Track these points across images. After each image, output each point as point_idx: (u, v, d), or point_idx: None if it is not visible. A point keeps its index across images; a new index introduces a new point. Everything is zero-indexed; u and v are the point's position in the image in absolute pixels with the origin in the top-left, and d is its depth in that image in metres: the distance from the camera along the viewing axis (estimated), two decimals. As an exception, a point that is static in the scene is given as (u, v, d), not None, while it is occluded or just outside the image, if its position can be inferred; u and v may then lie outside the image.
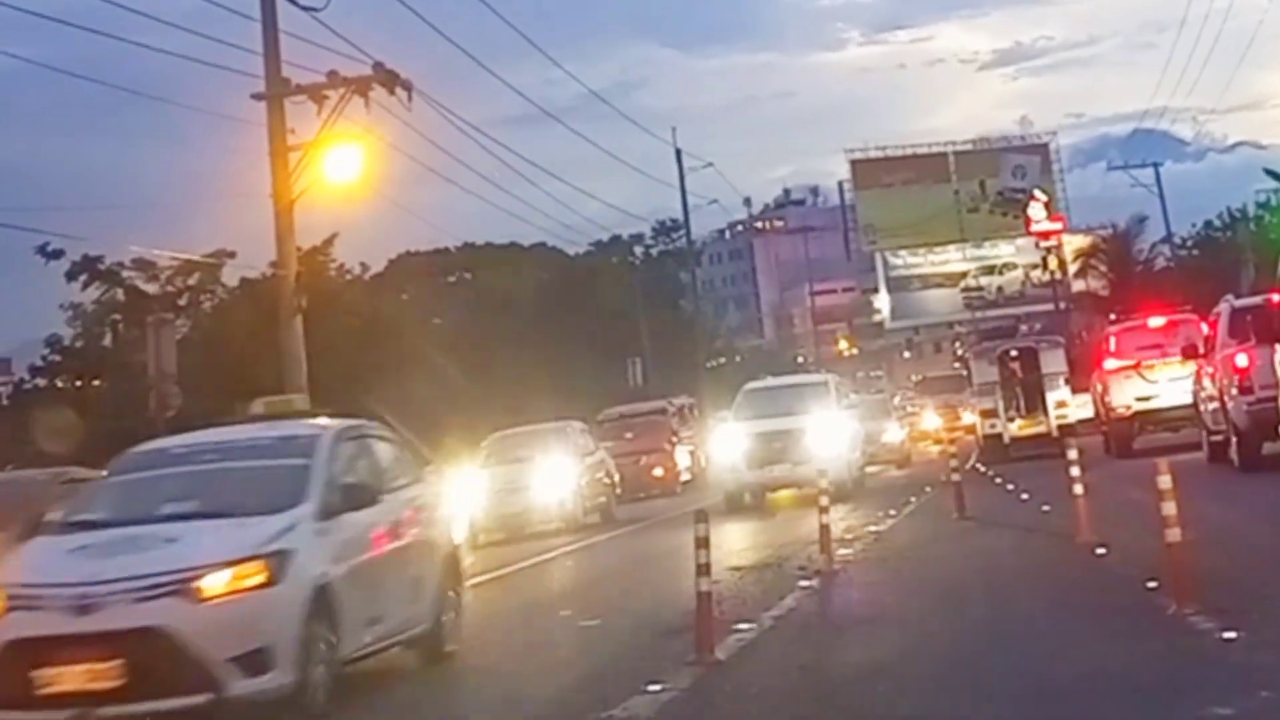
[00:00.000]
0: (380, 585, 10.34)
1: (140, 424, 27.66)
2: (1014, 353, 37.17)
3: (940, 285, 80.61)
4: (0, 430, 37.60)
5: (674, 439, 39.27)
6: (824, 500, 15.91)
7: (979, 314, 77.75)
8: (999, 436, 35.62)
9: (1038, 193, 74.82)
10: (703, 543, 10.27)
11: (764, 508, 26.54)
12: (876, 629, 10.92)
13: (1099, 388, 31.78)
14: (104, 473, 11.56)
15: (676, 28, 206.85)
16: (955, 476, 21.28)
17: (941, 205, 78.94)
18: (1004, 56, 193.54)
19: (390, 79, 25.09)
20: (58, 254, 41.77)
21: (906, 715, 7.84)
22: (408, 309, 54.97)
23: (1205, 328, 24.89)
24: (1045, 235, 73.06)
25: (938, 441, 49.72)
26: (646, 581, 16.48)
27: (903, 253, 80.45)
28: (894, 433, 41.28)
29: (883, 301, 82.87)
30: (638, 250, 79.46)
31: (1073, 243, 72.40)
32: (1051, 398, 35.16)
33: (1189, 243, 61.51)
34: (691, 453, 40.33)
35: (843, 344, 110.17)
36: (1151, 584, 10.53)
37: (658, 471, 37.65)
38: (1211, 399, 23.14)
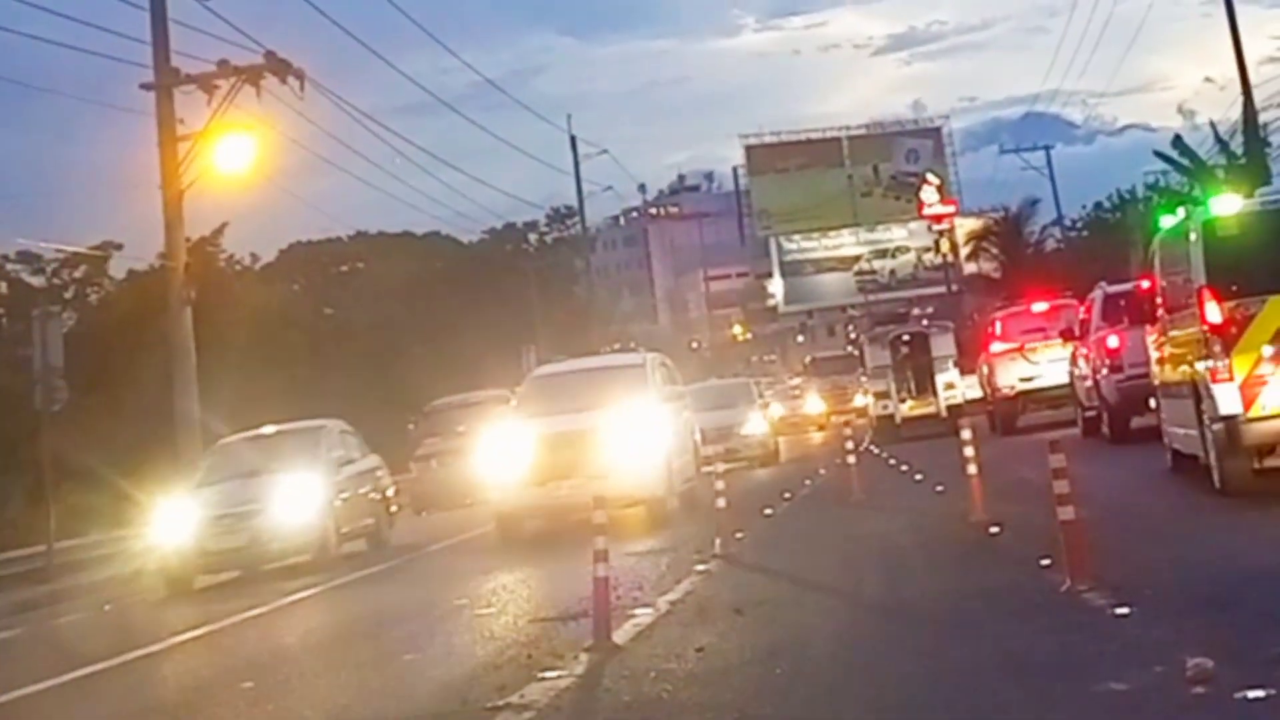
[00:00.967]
0: None
1: (26, 418, 27.20)
2: (905, 337, 39.38)
3: (834, 269, 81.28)
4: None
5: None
6: (719, 485, 15.93)
7: (872, 297, 78.53)
8: (891, 417, 37.90)
9: (930, 176, 75.75)
10: (602, 528, 10.28)
11: (552, 538, 19.13)
12: (773, 611, 10.91)
13: (985, 369, 33.85)
14: None
15: (573, 15, 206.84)
16: (850, 459, 21.40)
17: (835, 190, 79.59)
18: (898, 41, 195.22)
19: (282, 68, 24.84)
20: (-61, 247, 41.00)
21: (804, 695, 7.82)
22: (299, 299, 54.55)
23: (1082, 312, 26.67)
24: (938, 219, 74.00)
25: (820, 428, 50.00)
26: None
27: (796, 237, 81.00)
28: (755, 424, 34.06)
29: (776, 286, 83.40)
30: (532, 238, 79.45)
31: (965, 226, 73.38)
32: (940, 380, 37.56)
33: (1079, 224, 62.39)
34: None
35: (737, 329, 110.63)
36: (1045, 561, 10.62)
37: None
38: (1086, 378, 25.37)
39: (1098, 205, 59.28)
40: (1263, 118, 35.91)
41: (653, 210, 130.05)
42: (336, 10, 29.27)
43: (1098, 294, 25.32)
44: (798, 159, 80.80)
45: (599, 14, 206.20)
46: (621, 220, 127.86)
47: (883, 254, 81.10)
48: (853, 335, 73.62)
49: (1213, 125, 39.83)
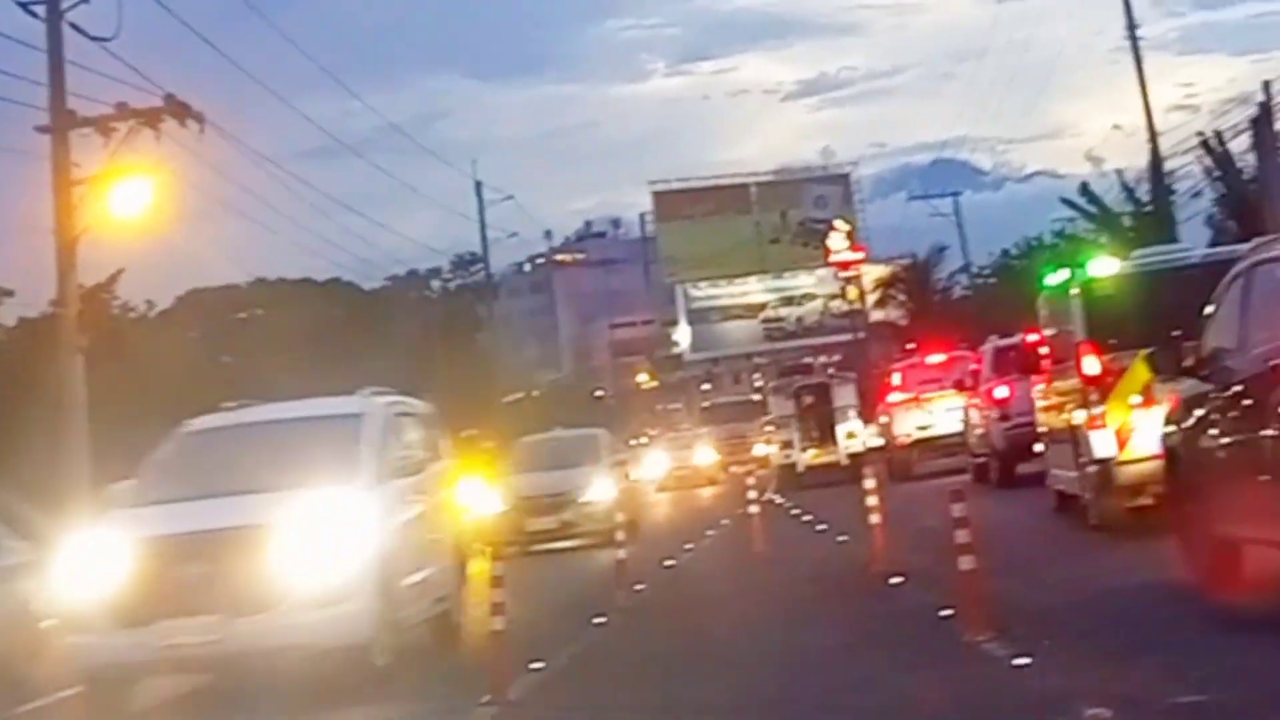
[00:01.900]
0: None
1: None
2: (809, 388, 40.44)
3: (740, 317, 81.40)
4: None
5: None
6: (619, 535, 15.75)
7: (779, 345, 78.74)
8: (794, 466, 38.49)
9: (839, 223, 75.87)
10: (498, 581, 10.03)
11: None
12: (672, 664, 10.76)
13: (884, 419, 35.30)
14: None
15: (480, 59, 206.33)
16: (753, 509, 21.36)
17: (743, 236, 79.71)
18: (808, 87, 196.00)
19: (182, 111, 24.48)
20: None
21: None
22: (196, 347, 53.80)
23: (974, 364, 28.16)
24: (845, 265, 74.14)
25: (713, 482, 47.75)
26: None
27: (703, 284, 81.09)
28: (600, 490, 25.84)
29: (682, 334, 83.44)
30: (436, 285, 78.99)
31: (872, 273, 73.53)
32: (842, 429, 38.39)
33: (987, 271, 62.81)
34: None
35: (642, 377, 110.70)
36: (945, 612, 10.59)
37: None
38: (977, 427, 26.80)
39: (1005, 252, 59.79)
40: (1168, 165, 36.40)
41: (559, 257, 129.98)
42: (239, 52, 28.98)
43: (989, 346, 26.75)
44: (706, 205, 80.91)
45: (506, 57, 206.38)
46: (527, 267, 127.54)
47: (790, 301, 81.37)
48: (758, 384, 73.77)
49: (1119, 173, 40.17)
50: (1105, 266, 15.44)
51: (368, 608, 11.15)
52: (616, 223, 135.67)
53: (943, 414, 31.52)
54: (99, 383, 26.27)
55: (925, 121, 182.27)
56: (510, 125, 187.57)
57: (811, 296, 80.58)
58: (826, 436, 38.45)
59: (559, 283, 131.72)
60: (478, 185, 56.81)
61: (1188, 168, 36.10)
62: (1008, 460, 24.67)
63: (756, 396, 64.93)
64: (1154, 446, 12.27)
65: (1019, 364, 22.05)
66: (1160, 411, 11.76)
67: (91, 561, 11.30)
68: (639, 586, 15.95)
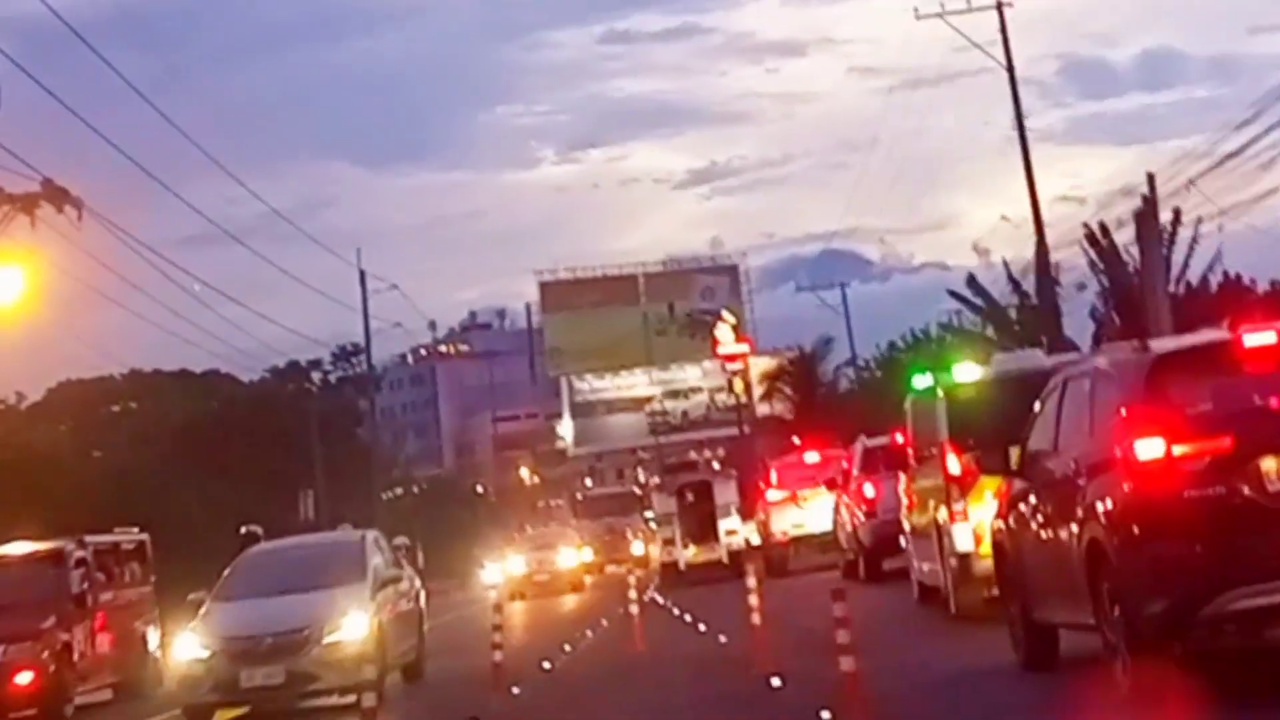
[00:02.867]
0: None
1: None
2: (691, 485, 40.53)
3: (625, 410, 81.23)
4: None
5: (85, 604, 21.31)
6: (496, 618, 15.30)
7: (664, 439, 78.54)
8: (675, 564, 38.75)
9: (726, 314, 75.61)
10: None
11: None
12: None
13: (762, 516, 35.83)
14: None
15: (365, 145, 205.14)
16: (633, 608, 21.14)
17: (629, 328, 79.64)
18: (699, 176, 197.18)
19: (59, 196, 23.93)
20: None
21: None
22: (66, 440, 52.56)
23: (845, 462, 29.07)
24: (731, 358, 73.86)
25: (576, 589, 40.83)
26: None
27: (589, 377, 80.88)
28: (353, 627, 16.87)
29: (566, 427, 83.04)
30: (316, 376, 77.79)
31: (759, 365, 73.21)
32: (723, 526, 38.65)
33: (873, 364, 63.04)
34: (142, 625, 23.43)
35: (524, 471, 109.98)
36: (825, 715, 10.41)
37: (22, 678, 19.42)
38: (846, 524, 27.73)
39: (891, 345, 60.24)
40: (1055, 256, 36.68)
41: (442, 349, 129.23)
42: (121, 137, 28.32)
43: (858, 446, 27.70)
44: (592, 296, 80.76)
45: (393, 144, 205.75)
46: (410, 359, 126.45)
47: (675, 394, 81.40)
48: (641, 479, 73.33)
49: (1005, 264, 40.33)
50: (968, 372, 16.66)
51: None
52: (502, 313, 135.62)
53: (816, 511, 32.03)
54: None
55: (815, 211, 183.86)
56: (396, 213, 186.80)
57: (697, 390, 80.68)
58: (708, 534, 38.58)
59: (442, 375, 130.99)
60: (361, 274, 56.24)
61: (1074, 260, 36.46)
62: (875, 555, 25.63)
63: (636, 489, 64.59)
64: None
65: (886, 462, 23.11)
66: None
67: None
68: (515, 689, 15.55)
